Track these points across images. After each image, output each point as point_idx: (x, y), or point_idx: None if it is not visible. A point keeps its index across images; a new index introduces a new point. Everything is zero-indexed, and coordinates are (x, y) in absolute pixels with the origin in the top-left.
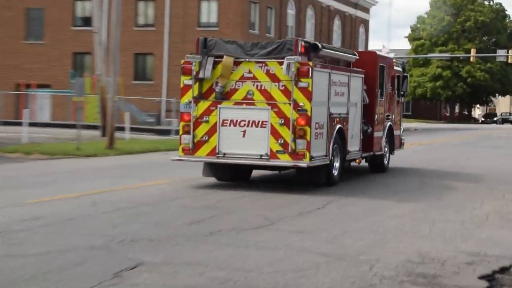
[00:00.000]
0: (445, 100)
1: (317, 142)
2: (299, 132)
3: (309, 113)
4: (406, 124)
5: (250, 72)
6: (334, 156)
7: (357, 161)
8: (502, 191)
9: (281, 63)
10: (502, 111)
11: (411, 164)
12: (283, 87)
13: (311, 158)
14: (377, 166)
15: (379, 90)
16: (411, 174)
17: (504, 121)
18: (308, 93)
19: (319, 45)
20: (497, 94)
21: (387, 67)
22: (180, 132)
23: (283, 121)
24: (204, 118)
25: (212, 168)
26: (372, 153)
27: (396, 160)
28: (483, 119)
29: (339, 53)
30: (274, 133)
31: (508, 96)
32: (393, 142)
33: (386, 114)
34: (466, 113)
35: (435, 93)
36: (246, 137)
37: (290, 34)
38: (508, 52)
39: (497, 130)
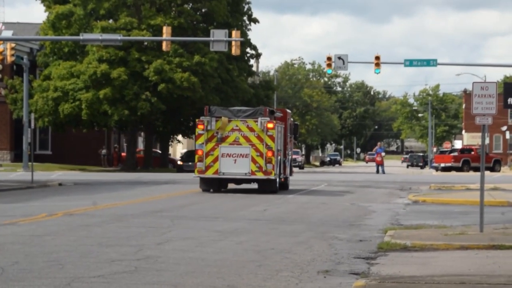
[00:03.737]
0: (119, 126)
1: (275, 166)
2: (268, 160)
3: (273, 149)
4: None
5: (237, 126)
6: (277, 175)
7: (282, 179)
8: None
9: (256, 121)
10: None
11: None
12: (257, 135)
13: (275, 174)
14: (284, 184)
15: (289, 135)
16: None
17: None
18: (273, 138)
19: (275, 111)
20: None
21: (290, 118)
22: (196, 161)
23: (258, 154)
24: (211, 153)
25: (204, 184)
26: (285, 175)
27: None
28: (180, 162)
29: (278, 113)
30: (253, 160)
31: None
32: (291, 170)
33: (289, 150)
34: (160, 150)
35: (98, 113)
36: (236, 163)
37: None
38: (231, 35)
39: None
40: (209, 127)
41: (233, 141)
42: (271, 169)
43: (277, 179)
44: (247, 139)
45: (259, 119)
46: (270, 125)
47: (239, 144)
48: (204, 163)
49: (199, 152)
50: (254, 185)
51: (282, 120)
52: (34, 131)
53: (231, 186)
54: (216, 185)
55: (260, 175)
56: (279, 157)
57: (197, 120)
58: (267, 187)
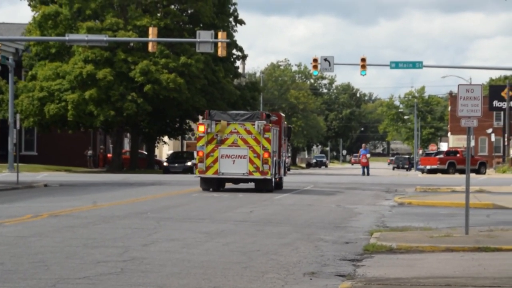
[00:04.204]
0: (105, 127)
1: (271, 166)
2: (265, 161)
3: (270, 151)
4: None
5: (235, 129)
6: (273, 175)
7: (277, 179)
8: None
9: (253, 124)
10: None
11: None
12: (254, 137)
13: (271, 174)
14: (278, 184)
15: (283, 137)
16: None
17: None
18: (269, 140)
19: (271, 115)
20: (200, 118)
21: (284, 122)
22: (197, 161)
23: (256, 155)
24: (211, 154)
25: (205, 183)
26: (279, 175)
27: None
28: (166, 163)
29: (273, 117)
30: (251, 161)
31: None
32: (285, 170)
33: (283, 152)
34: (145, 152)
35: (84, 114)
36: (235, 164)
37: None
38: (217, 36)
39: None
40: (209, 130)
41: (232, 143)
42: (268, 170)
43: (273, 179)
44: (245, 141)
45: (256, 122)
46: (267, 128)
47: (238, 146)
48: (205, 163)
49: (200, 154)
50: (251, 185)
51: (277, 124)
52: (20, 132)
53: (228, 185)
54: (215, 184)
55: (257, 175)
56: (274, 158)
57: (197, 123)
58: (263, 186)
